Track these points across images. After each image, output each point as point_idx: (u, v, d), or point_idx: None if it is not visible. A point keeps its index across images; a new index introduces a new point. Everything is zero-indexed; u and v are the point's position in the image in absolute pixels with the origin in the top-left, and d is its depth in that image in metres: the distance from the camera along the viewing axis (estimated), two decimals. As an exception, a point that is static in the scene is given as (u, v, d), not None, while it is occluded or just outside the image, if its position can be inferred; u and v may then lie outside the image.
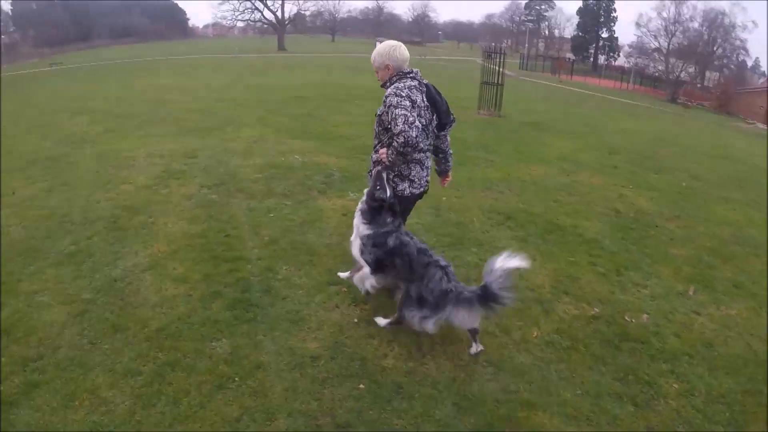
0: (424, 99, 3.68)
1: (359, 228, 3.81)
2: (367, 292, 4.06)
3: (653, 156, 11.91)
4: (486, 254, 5.15)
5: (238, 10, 79.50)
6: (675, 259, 5.92)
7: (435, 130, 3.87)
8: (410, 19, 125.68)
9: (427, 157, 3.90)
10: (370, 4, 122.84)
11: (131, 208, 6.40)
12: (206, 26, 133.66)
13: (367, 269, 3.85)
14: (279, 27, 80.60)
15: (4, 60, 51.30)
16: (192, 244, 5.39)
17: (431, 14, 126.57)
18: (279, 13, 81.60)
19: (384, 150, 3.70)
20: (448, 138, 4.11)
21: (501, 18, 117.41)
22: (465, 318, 3.54)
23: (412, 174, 3.80)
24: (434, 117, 3.78)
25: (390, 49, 3.75)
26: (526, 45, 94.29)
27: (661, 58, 60.66)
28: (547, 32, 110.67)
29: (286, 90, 19.18)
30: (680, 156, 12.67)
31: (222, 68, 32.11)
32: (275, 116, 13.20)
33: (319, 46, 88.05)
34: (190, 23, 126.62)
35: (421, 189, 3.90)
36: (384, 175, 3.70)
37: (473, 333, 3.74)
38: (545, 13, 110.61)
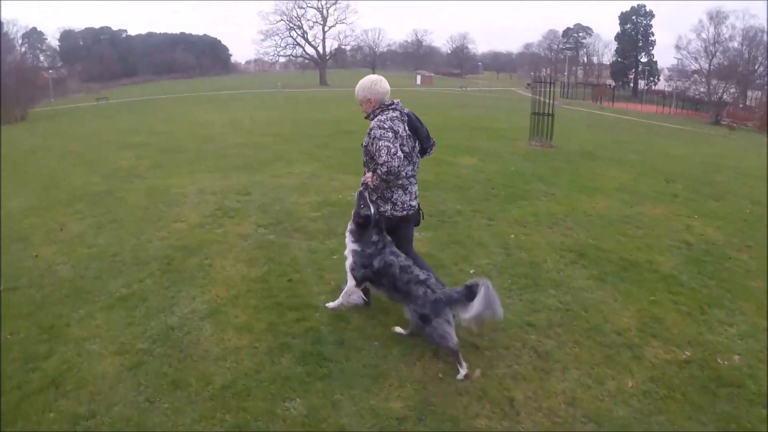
0: (406, 128, 4.02)
1: (349, 246, 4.16)
2: (365, 302, 4.47)
3: (710, 182, 11.31)
4: (565, 296, 5.03)
5: (280, 46, 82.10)
6: (755, 293, 5.41)
7: (418, 155, 4.22)
8: (449, 51, 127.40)
9: (411, 182, 4.20)
10: (410, 37, 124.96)
11: (185, 249, 6.21)
12: (248, 62, 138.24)
13: (352, 283, 4.21)
14: (320, 62, 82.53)
15: (53, 95, 53.28)
16: (253, 289, 5.12)
17: (470, 46, 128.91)
18: (320, 49, 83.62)
19: (369, 174, 4.06)
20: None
21: (539, 47, 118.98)
22: (477, 306, 3.60)
23: (395, 197, 4.11)
24: (416, 144, 4.13)
25: (371, 83, 4.07)
26: (566, 73, 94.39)
27: (702, 79, 60.36)
28: (585, 59, 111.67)
29: (333, 124, 19.27)
30: (736, 181, 11.98)
31: (266, 103, 32.68)
32: (324, 151, 13.10)
33: (359, 80, 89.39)
34: (233, 59, 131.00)
35: (404, 212, 4.16)
36: (366, 194, 4.09)
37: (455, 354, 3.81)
38: (583, 41, 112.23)
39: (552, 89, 14.90)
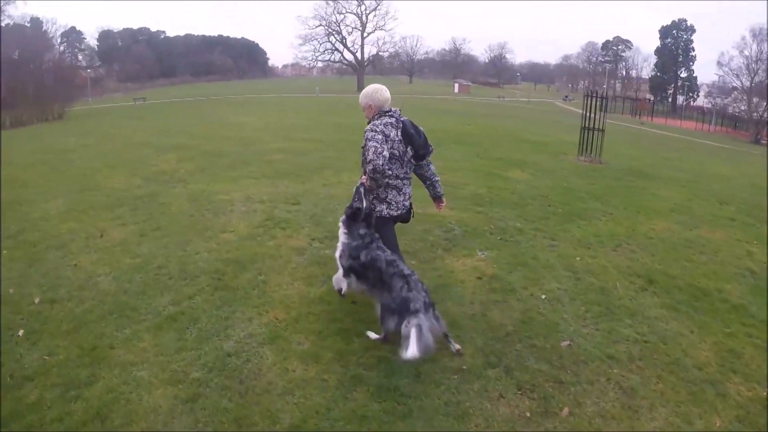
0: (399, 134, 4.34)
1: (340, 236, 4.47)
2: (340, 292, 4.83)
3: (760, 206, 10.68)
4: (641, 327, 4.89)
5: (319, 51, 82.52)
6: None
7: (412, 160, 4.50)
8: (486, 60, 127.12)
9: (405, 184, 4.53)
10: (448, 46, 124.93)
11: (236, 263, 5.90)
12: (285, 66, 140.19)
13: (340, 272, 4.50)
14: (359, 68, 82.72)
15: (90, 94, 54.25)
16: (314, 312, 4.77)
17: (508, 56, 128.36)
18: (358, 54, 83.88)
19: (365, 176, 4.42)
20: (432, 167, 4.75)
21: (578, 59, 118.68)
22: (429, 326, 3.77)
23: (389, 197, 4.45)
24: (408, 149, 4.41)
25: (372, 91, 4.46)
26: (605, 86, 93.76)
27: (743, 97, 59.66)
28: (624, 72, 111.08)
29: None
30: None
31: (305, 107, 32.71)
32: (373, 160, 12.69)
33: (397, 87, 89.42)
34: (270, 63, 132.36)
35: (399, 212, 4.51)
36: (362, 189, 4.40)
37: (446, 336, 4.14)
38: (622, 54, 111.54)
39: (603, 104, 14.49)
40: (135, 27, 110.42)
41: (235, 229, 7.05)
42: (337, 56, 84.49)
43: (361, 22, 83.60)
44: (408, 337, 3.63)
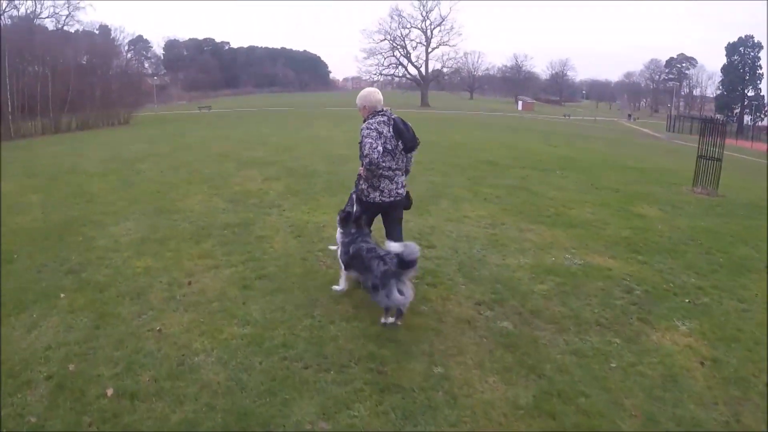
0: (390, 130, 4.82)
1: (338, 236, 5.05)
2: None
3: None
4: None
5: (383, 65, 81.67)
6: None
7: (403, 152, 4.93)
8: (547, 78, 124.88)
9: (397, 174, 4.97)
10: (509, 62, 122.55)
11: (392, 341, 4.17)
12: (346, 79, 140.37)
13: (342, 267, 5.01)
14: (422, 83, 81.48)
15: (156, 100, 54.45)
16: (534, 428, 2.93)
17: (569, 73, 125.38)
18: (423, 69, 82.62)
19: (362, 168, 4.85)
20: (412, 160, 5.18)
21: (640, 77, 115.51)
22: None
23: (382, 186, 4.90)
24: (399, 143, 4.85)
25: (366, 94, 5.02)
26: (670, 105, 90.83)
27: None
28: (687, 90, 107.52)
29: (466, 151, 17.12)
30: None
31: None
32: (485, 187, 10.90)
33: (459, 103, 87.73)
34: (331, 76, 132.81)
35: (391, 199, 4.97)
36: (354, 196, 5.08)
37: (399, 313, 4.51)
38: (686, 71, 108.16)
39: (723, 129, 12.96)
40: (200, 37, 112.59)
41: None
42: (401, 71, 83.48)
43: (426, 37, 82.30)
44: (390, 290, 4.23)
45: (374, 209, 5.06)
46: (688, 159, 14.38)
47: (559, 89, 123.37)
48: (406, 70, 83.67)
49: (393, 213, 5.21)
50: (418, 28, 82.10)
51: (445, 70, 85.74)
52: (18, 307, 4.78)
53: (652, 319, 5.05)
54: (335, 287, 5.12)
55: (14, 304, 4.83)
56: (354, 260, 4.73)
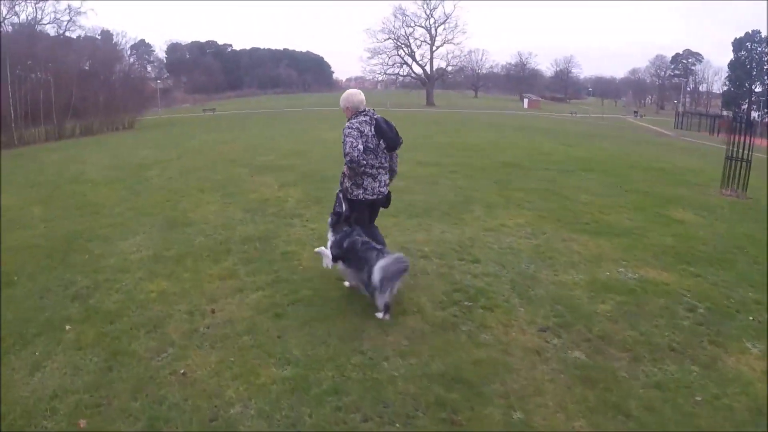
0: (372, 129, 4.95)
1: (328, 236, 5.16)
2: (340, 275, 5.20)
3: None
4: None
5: (388, 64, 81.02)
6: None
7: (385, 151, 5.04)
8: (551, 75, 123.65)
9: (380, 173, 5.08)
10: (513, 59, 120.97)
11: (465, 386, 3.54)
12: (349, 79, 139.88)
13: (329, 258, 5.06)
14: (428, 82, 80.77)
15: (160, 104, 53.99)
16: None
17: (574, 70, 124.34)
18: (428, 68, 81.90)
19: (345, 167, 5.01)
20: (396, 159, 5.28)
21: (645, 73, 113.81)
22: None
23: (365, 184, 5.01)
24: (381, 142, 4.97)
25: (349, 95, 5.13)
26: (677, 101, 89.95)
27: None
28: (693, 86, 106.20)
29: (490, 153, 16.40)
30: None
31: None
32: (515, 191, 10.24)
33: (464, 101, 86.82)
34: (334, 76, 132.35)
35: (374, 196, 5.08)
36: (341, 195, 5.13)
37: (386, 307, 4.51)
38: (692, 67, 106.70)
39: (749, 129, 12.43)
40: (203, 40, 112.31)
41: (418, 308, 4.69)
42: (405, 70, 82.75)
43: (430, 35, 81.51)
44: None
45: (360, 207, 5.16)
46: (704, 157, 13.74)
47: (563, 86, 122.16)
48: (411, 68, 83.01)
49: (375, 210, 5.42)
50: (422, 27, 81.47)
51: (449, 68, 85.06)
52: (19, 342, 4.18)
53: (723, 341, 4.59)
54: (380, 310, 4.62)
55: (15, 339, 4.24)
56: (349, 254, 4.83)
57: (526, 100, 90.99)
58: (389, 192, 5.24)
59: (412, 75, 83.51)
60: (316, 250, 5.47)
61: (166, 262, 5.94)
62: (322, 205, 8.38)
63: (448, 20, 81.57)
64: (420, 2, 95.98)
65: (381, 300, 4.46)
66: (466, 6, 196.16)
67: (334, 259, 5.00)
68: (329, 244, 5.09)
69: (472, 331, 4.23)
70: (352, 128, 4.86)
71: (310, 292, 4.98)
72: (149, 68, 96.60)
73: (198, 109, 49.46)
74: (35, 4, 47.72)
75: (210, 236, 6.85)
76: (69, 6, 59.80)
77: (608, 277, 5.71)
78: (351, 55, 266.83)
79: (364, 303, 4.70)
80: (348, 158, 4.77)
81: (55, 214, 8.69)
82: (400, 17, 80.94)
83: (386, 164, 5.12)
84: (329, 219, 5.17)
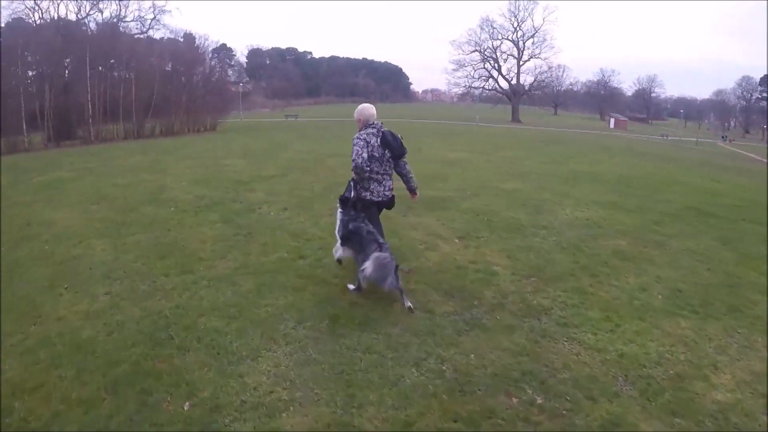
0: (378, 141, 5.22)
1: (337, 214, 5.45)
2: (339, 261, 5.66)
3: None
4: None
5: (473, 77, 77.42)
6: None
7: (390, 160, 5.31)
8: (632, 94, 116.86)
9: (385, 179, 5.33)
10: (595, 77, 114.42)
11: None
12: (425, 91, 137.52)
13: (338, 242, 5.39)
14: (513, 97, 76.73)
15: (241, 108, 52.61)
16: None
17: (657, 90, 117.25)
18: (514, 82, 77.82)
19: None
20: (407, 166, 5.48)
21: (731, 94, 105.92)
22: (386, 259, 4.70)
23: (371, 187, 5.30)
24: (386, 152, 5.25)
25: (363, 108, 5.37)
26: (766, 126, 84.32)
27: None
28: None
29: (649, 191, 12.03)
30: None
31: (485, 138, 26.80)
32: (754, 259, 6.47)
33: (546, 118, 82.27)
34: (411, 88, 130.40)
35: (379, 198, 5.32)
36: (352, 183, 5.37)
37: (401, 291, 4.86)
38: None
39: None
40: (283, 47, 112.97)
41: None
42: (491, 83, 78.84)
43: (518, 49, 77.29)
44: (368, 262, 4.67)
45: (368, 206, 5.35)
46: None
47: (645, 106, 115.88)
48: (497, 82, 79.14)
49: (380, 209, 5.55)
50: (510, 40, 77.54)
51: (537, 83, 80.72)
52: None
53: None
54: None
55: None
56: (352, 236, 5.14)
57: (612, 120, 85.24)
58: (393, 195, 5.48)
59: (498, 89, 79.71)
60: None
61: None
62: (557, 285, 4.96)
63: (536, 34, 77.50)
64: (507, 14, 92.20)
65: (362, 280, 4.90)
66: (557, 19, 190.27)
67: (342, 240, 5.32)
68: (338, 223, 5.42)
69: None
70: (360, 138, 5.20)
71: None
72: (230, 72, 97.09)
73: (278, 114, 47.56)
74: (119, 1, 46.59)
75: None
76: (153, 4, 58.76)
77: None
78: (426, 67, 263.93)
79: None
80: (353, 165, 5.15)
81: (126, 264, 5.67)
82: (487, 29, 77.28)
83: (391, 171, 5.43)
84: (339, 199, 5.46)
